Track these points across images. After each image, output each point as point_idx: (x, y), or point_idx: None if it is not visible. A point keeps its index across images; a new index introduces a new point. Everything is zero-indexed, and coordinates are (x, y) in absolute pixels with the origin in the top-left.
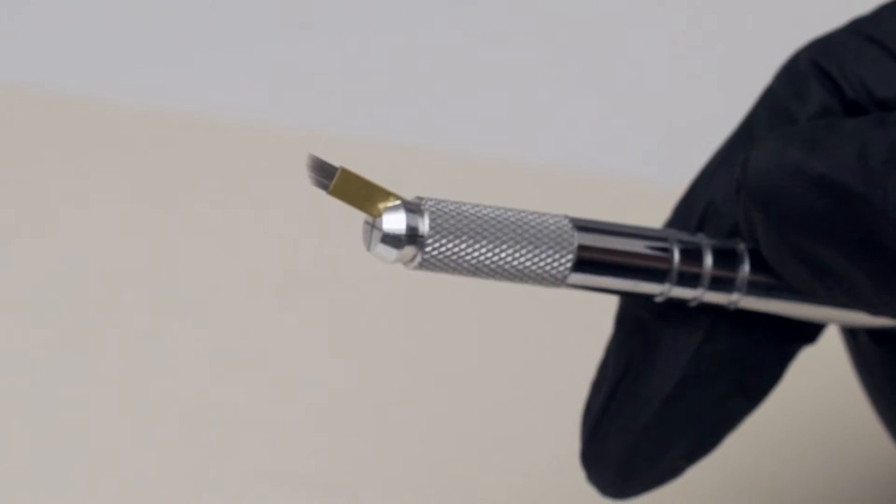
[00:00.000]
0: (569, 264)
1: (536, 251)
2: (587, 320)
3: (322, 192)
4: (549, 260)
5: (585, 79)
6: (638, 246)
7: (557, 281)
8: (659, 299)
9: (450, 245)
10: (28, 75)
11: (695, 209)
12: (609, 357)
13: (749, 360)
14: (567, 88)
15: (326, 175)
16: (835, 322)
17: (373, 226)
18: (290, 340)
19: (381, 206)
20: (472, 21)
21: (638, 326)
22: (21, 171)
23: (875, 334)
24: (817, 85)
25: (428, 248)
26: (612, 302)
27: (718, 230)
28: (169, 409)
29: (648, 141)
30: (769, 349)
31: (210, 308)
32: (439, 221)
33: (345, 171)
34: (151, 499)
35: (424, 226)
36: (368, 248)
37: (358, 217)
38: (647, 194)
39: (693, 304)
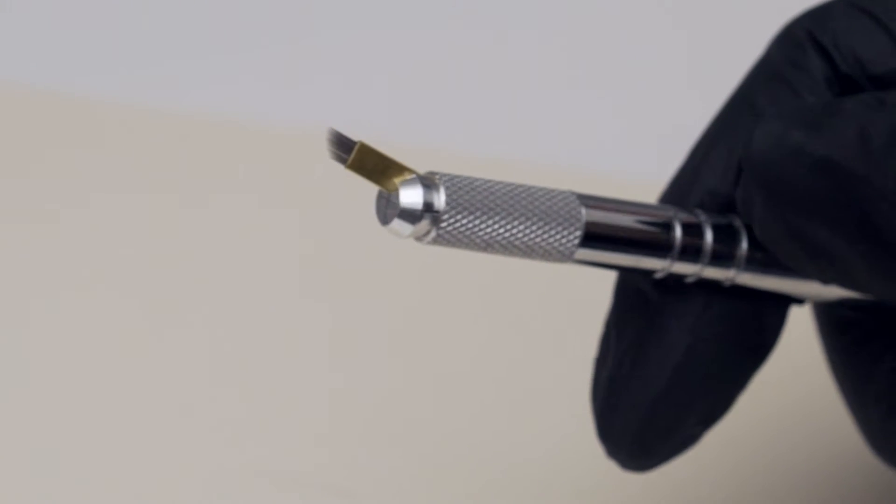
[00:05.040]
0: (577, 240)
1: (546, 226)
2: (585, 314)
3: (322, 190)
4: (558, 235)
5: (586, 79)
6: (642, 221)
7: (565, 256)
8: (659, 275)
9: (464, 220)
10: (28, 75)
11: (693, 184)
12: (610, 330)
13: (749, 319)
14: (567, 88)
15: (345, 149)
16: (826, 297)
17: (388, 200)
18: (289, 340)
19: (397, 180)
20: (472, 21)
21: (639, 298)
22: (21, 171)
23: (840, 324)
24: (816, 55)
25: (444, 223)
26: (606, 288)
27: (717, 206)
28: (168, 409)
29: (648, 141)
30: (765, 306)
31: (209, 308)
32: (455, 196)
33: (363, 146)
34: (151, 498)
35: (440, 200)
36: (384, 223)
37: (356, 216)
38: (647, 194)
39: (691, 279)
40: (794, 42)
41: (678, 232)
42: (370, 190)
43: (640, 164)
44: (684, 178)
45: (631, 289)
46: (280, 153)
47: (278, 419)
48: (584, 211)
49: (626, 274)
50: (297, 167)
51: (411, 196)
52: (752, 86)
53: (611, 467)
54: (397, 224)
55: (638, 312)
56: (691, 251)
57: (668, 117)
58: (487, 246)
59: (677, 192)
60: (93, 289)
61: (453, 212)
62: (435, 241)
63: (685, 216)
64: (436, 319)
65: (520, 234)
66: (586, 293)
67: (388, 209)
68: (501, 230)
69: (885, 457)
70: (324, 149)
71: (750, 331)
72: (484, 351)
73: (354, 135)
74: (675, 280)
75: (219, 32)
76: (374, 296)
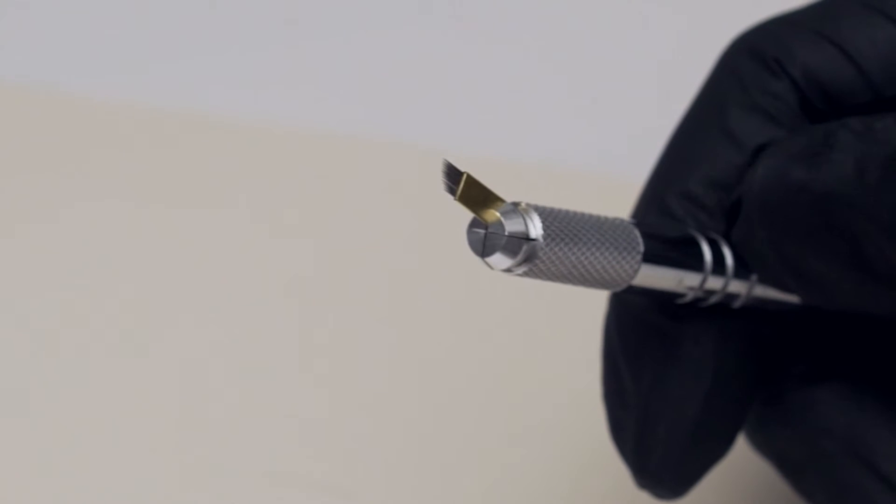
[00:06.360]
0: (638, 265)
1: (615, 252)
2: (585, 315)
3: (322, 191)
4: (623, 261)
5: (583, 79)
6: (676, 239)
7: (625, 281)
8: (690, 297)
9: (557, 249)
10: (28, 75)
11: (672, 203)
12: (618, 367)
13: (756, 333)
14: (566, 89)
15: (454, 180)
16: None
17: (486, 232)
18: (290, 341)
19: (494, 210)
20: (473, 22)
21: (650, 331)
22: (21, 170)
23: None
24: (788, 83)
25: (541, 252)
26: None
27: (705, 227)
28: (169, 409)
29: (648, 143)
30: (761, 318)
31: (209, 308)
32: (549, 225)
33: (469, 177)
34: (151, 499)
35: (537, 229)
36: (482, 255)
37: (356, 216)
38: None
39: (709, 302)
40: (763, 65)
41: (706, 247)
42: (369, 190)
43: (639, 164)
44: (659, 193)
45: (638, 323)
46: (280, 153)
47: (279, 419)
48: (639, 236)
49: (636, 306)
50: (297, 167)
51: (515, 225)
52: (724, 109)
53: (612, 465)
54: (499, 256)
55: (654, 345)
56: (719, 265)
57: (670, 120)
58: (568, 274)
59: (655, 206)
60: (92, 289)
61: (550, 240)
62: (526, 273)
63: (705, 233)
64: (437, 319)
65: (595, 263)
66: (585, 295)
67: (487, 240)
68: (584, 259)
69: (754, 443)
70: (327, 150)
71: (759, 344)
72: (484, 351)
73: (354, 136)
74: (688, 307)
75: (219, 32)
76: (375, 295)
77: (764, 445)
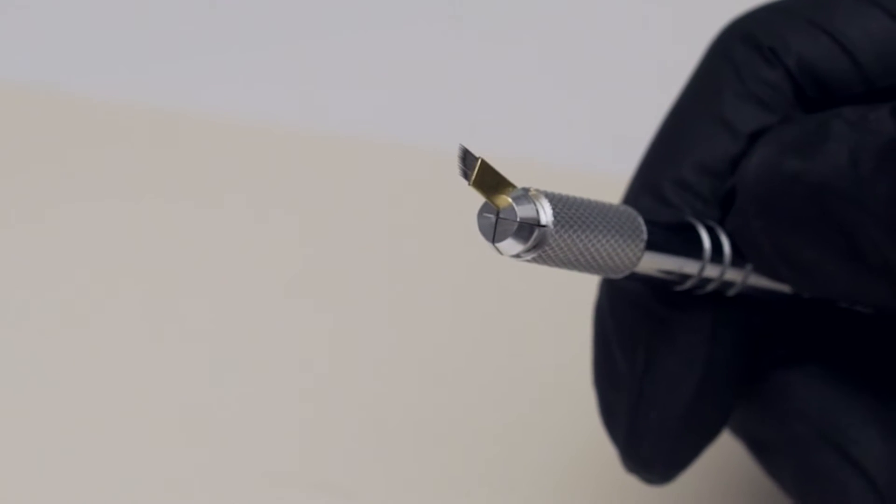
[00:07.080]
0: (641, 252)
1: (620, 239)
2: (580, 314)
3: (322, 191)
4: (627, 248)
5: (583, 79)
6: (677, 226)
7: (627, 269)
8: (687, 284)
9: (566, 235)
10: (28, 75)
11: (667, 190)
12: (611, 351)
13: (747, 320)
14: (566, 88)
15: (469, 165)
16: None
17: (497, 217)
18: (290, 341)
19: (505, 196)
20: (472, 21)
21: (647, 317)
22: (21, 170)
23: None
24: (784, 74)
25: (551, 239)
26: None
27: (700, 215)
28: (169, 410)
29: (647, 141)
30: (751, 307)
31: (209, 308)
32: (558, 210)
33: (483, 163)
34: (150, 499)
35: (548, 216)
36: (493, 241)
37: (356, 216)
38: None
39: (705, 289)
40: (757, 53)
41: (705, 235)
42: (369, 191)
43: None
44: (646, 186)
45: (634, 308)
46: (280, 153)
47: (278, 419)
48: (643, 223)
49: (631, 292)
50: (297, 167)
51: (527, 211)
52: (718, 96)
53: (606, 458)
54: (510, 241)
55: (647, 331)
56: (717, 253)
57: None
58: (574, 260)
59: (644, 200)
60: (93, 290)
61: (560, 226)
62: (535, 259)
63: (702, 220)
64: (437, 319)
65: (602, 249)
66: (580, 293)
67: (498, 226)
68: (591, 245)
69: (727, 423)
70: (324, 149)
71: (750, 332)
72: (484, 350)
73: (354, 137)
74: (684, 294)
75: (219, 32)
76: (375, 295)
77: (737, 425)
